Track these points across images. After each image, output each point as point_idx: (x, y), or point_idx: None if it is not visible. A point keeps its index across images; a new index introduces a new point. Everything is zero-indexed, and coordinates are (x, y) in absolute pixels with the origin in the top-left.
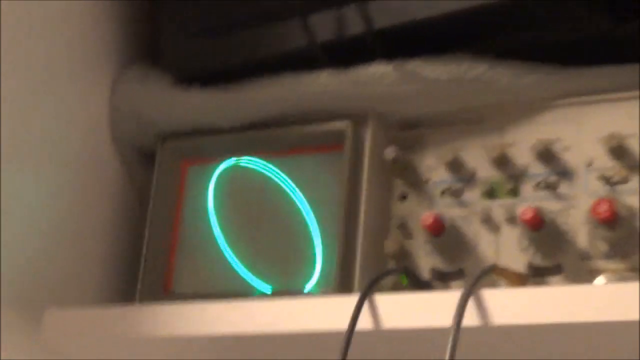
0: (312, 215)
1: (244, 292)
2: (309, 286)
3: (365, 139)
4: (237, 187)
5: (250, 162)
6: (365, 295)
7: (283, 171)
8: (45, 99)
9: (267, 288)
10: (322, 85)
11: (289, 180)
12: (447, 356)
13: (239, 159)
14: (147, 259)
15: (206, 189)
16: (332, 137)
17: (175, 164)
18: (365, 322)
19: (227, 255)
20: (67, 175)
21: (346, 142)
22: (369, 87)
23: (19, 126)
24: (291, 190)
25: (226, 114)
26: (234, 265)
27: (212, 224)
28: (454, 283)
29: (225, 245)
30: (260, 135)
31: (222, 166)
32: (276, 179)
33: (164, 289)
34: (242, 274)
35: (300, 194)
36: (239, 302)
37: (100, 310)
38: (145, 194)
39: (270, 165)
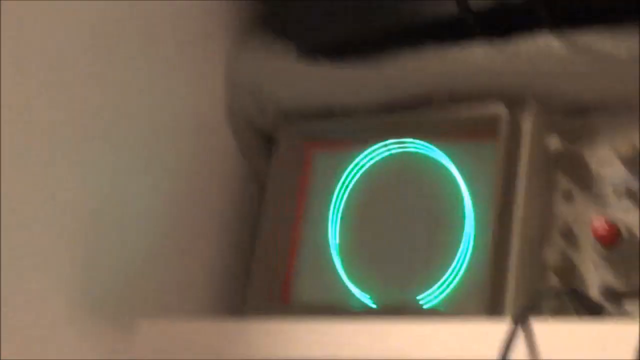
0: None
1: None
2: (434, 300)
3: (523, 127)
4: (376, 179)
5: (402, 146)
6: (519, 322)
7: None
8: (152, 76)
9: (371, 302)
10: (475, 60)
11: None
12: None
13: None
14: (260, 261)
15: (336, 179)
16: (483, 124)
17: (298, 149)
18: (519, 354)
19: (335, 261)
20: (176, 165)
21: (501, 129)
22: (531, 63)
23: (125, 110)
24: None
25: (361, 93)
26: (339, 273)
27: (338, 222)
28: (630, 306)
29: (338, 249)
30: (399, 118)
31: (360, 153)
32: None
33: (281, 300)
34: (345, 283)
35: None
36: (368, 321)
37: (196, 322)
38: (263, 185)
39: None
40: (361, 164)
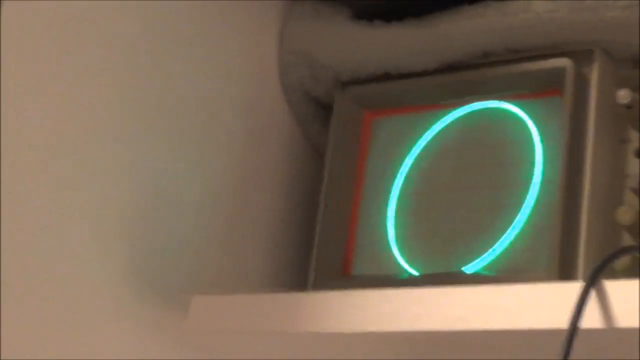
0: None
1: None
2: (494, 265)
3: (591, 80)
4: (439, 144)
5: (466, 107)
6: (592, 282)
7: (486, 121)
8: (203, 53)
9: (418, 272)
10: (536, 11)
11: (492, 134)
12: None
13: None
14: (321, 235)
15: (396, 146)
16: (548, 79)
17: (357, 115)
18: (591, 319)
19: (389, 231)
20: (232, 141)
21: (567, 84)
22: (597, 12)
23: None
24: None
25: (418, 54)
26: (391, 244)
27: (398, 190)
28: None
29: (395, 219)
30: (460, 79)
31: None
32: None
33: (342, 273)
34: (395, 255)
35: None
36: (426, 289)
37: (250, 297)
38: (321, 154)
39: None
40: (422, 128)
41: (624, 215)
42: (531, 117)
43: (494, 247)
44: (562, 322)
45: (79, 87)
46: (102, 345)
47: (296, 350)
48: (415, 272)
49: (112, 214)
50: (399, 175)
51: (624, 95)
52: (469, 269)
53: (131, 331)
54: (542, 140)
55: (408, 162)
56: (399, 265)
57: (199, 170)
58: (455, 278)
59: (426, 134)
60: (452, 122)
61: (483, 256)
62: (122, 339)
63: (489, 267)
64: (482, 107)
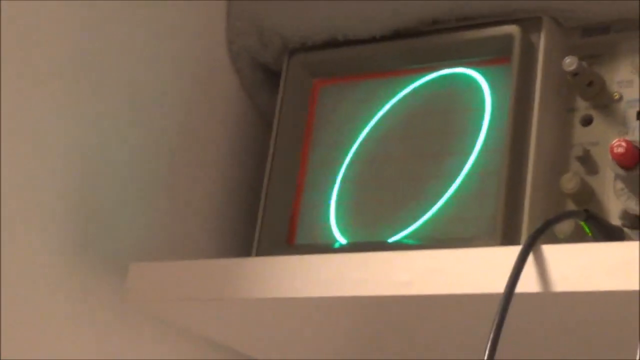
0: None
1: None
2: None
3: (538, 48)
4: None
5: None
6: (530, 246)
7: (434, 90)
8: (150, 17)
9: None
10: None
11: (439, 102)
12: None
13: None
14: (266, 203)
15: (345, 113)
16: (496, 47)
17: (305, 83)
18: (528, 283)
19: (331, 200)
20: (178, 106)
21: (514, 51)
22: None
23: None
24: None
25: (367, 21)
26: (331, 212)
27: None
28: None
29: (340, 186)
30: (409, 46)
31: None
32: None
33: (286, 242)
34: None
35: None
36: (368, 254)
37: (189, 264)
38: (269, 122)
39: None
40: (372, 96)
41: (569, 183)
42: (473, 86)
43: (422, 216)
44: (503, 286)
45: (11, 46)
46: (39, 313)
47: (235, 317)
48: (345, 241)
49: (49, 180)
50: (346, 144)
51: (569, 62)
52: (395, 237)
53: (69, 299)
54: (492, 108)
55: (356, 130)
56: (333, 235)
57: (142, 136)
58: (380, 247)
59: (376, 101)
60: (403, 90)
61: (411, 225)
62: (59, 306)
63: (415, 235)
64: (436, 74)
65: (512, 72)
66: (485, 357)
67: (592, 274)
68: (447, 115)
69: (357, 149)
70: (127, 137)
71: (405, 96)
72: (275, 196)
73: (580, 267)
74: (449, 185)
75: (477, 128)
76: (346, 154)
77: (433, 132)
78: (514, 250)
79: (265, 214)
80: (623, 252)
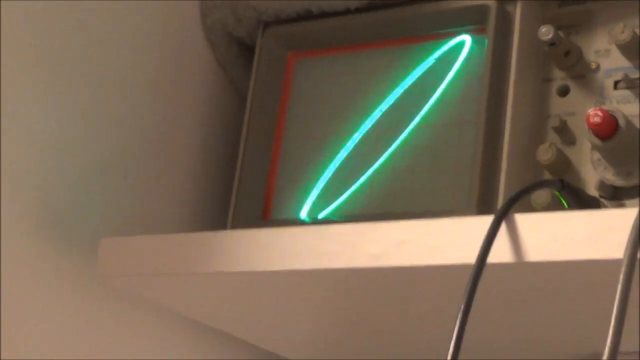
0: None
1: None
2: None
3: (514, 18)
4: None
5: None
6: (502, 216)
7: (410, 62)
8: None
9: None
10: None
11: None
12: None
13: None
14: (242, 177)
15: (320, 86)
16: (472, 17)
17: (280, 56)
18: (501, 252)
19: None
20: (152, 81)
21: (490, 21)
22: None
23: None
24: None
25: None
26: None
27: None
28: (629, 201)
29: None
30: (382, 17)
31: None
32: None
33: (261, 218)
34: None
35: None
36: (339, 226)
37: (161, 238)
38: (244, 97)
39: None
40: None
41: (545, 153)
42: (446, 57)
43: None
44: (474, 257)
45: None
46: (11, 293)
47: (208, 292)
48: (306, 218)
49: (21, 154)
50: (322, 117)
51: (546, 32)
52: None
53: (41, 276)
54: (468, 79)
55: (333, 103)
56: (309, 210)
57: (114, 110)
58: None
59: (351, 74)
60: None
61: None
62: (31, 285)
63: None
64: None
65: (487, 42)
66: (456, 329)
67: (565, 243)
68: (423, 87)
69: (336, 122)
70: (99, 113)
71: (384, 68)
72: (250, 171)
73: (553, 236)
74: (425, 157)
75: (455, 99)
76: (323, 128)
77: (410, 104)
78: (486, 220)
79: (240, 189)
80: (596, 221)
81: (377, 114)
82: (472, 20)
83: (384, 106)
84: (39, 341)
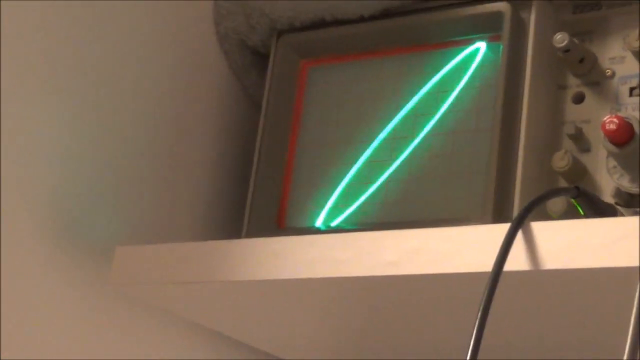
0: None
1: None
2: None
3: (528, 24)
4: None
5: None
6: (519, 224)
7: (424, 69)
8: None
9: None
10: None
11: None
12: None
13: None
14: (256, 186)
15: (334, 94)
16: (486, 24)
17: (293, 64)
18: (517, 260)
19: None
20: (167, 90)
21: (504, 28)
22: None
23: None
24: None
25: (354, 0)
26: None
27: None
28: None
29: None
30: (396, 25)
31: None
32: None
33: (276, 225)
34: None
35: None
36: (355, 234)
37: (175, 246)
38: (258, 105)
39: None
40: (360, 76)
41: (560, 161)
42: (462, 63)
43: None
44: (491, 265)
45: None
46: (26, 299)
47: (221, 300)
48: (321, 226)
49: (36, 162)
50: (337, 125)
51: (560, 39)
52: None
53: (55, 284)
54: (484, 86)
55: (346, 111)
56: (325, 217)
57: (129, 120)
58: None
59: (365, 81)
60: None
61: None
62: (45, 291)
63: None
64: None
65: (502, 49)
66: (473, 336)
67: (581, 250)
68: (437, 94)
69: (351, 130)
70: (113, 121)
71: (397, 75)
72: (264, 179)
73: (569, 244)
74: (440, 164)
75: (469, 106)
76: (338, 136)
77: (424, 111)
78: (502, 228)
79: (255, 197)
80: (613, 228)
81: (391, 121)
82: (486, 27)
83: (399, 114)
84: (49, 345)
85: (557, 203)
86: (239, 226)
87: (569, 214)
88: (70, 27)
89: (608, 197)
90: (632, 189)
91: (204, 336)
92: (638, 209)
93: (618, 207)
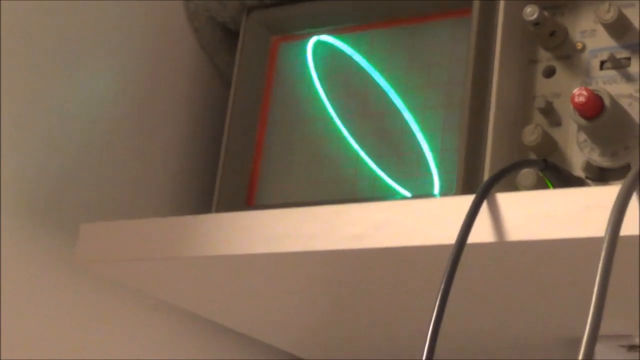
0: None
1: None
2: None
3: None
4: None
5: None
6: (483, 195)
7: (394, 45)
8: None
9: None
10: None
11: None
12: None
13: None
14: (225, 163)
15: (305, 70)
16: None
17: (264, 40)
18: (482, 232)
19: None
20: (135, 66)
21: (474, 2)
22: None
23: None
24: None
25: None
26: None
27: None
28: (615, 183)
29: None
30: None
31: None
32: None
33: (246, 203)
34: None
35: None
36: (319, 208)
37: (140, 222)
38: (228, 82)
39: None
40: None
41: (531, 135)
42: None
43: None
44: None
45: None
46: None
47: (189, 277)
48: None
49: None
50: (307, 101)
51: (530, 12)
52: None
53: (21, 261)
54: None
55: (316, 87)
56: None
57: (98, 95)
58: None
59: (335, 58)
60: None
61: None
62: (11, 267)
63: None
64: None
65: (472, 23)
66: (435, 309)
67: (547, 222)
68: (408, 70)
69: (320, 106)
70: (82, 95)
71: (368, 51)
72: (234, 155)
73: (535, 215)
74: (409, 141)
75: (439, 82)
76: (307, 112)
77: (394, 87)
78: (468, 200)
79: (224, 174)
80: (577, 199)
81: (362, 97)
82: (455, 1)
83: (369, 89)
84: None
85: (527, 177)
86: (208, 204)
87: (539, 187)
88: (41, 2)
89: (579, 171)
90: (603, 162)
91: (178, 316)
92: (607, 183)
93: (588, 181)
